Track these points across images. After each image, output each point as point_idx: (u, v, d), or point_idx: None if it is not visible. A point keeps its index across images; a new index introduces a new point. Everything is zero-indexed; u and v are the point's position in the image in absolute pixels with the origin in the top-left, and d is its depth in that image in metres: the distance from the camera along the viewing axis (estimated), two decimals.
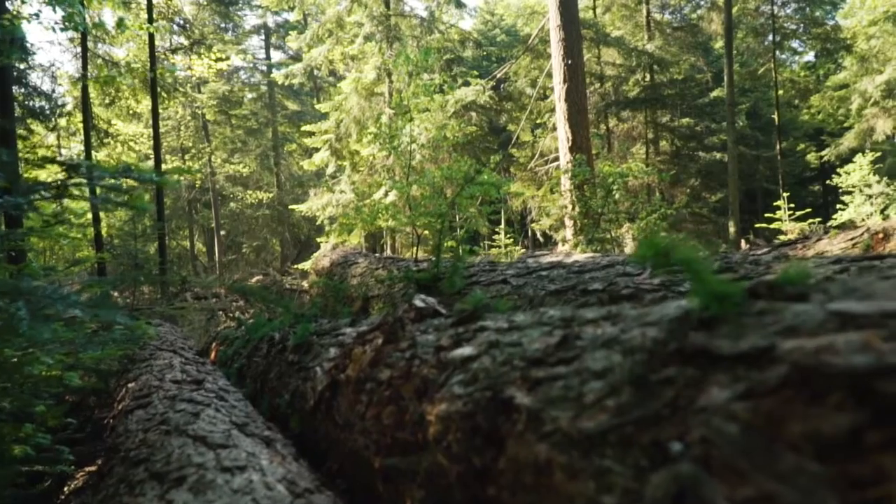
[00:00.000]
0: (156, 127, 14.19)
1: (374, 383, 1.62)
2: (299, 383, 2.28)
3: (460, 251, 3.16)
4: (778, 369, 0.62)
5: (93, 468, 3.10)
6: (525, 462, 0.91)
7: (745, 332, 0.71)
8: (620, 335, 0.92)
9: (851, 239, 2.92)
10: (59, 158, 1.87)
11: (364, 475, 1.55)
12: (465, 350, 1.29)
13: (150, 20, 14.30)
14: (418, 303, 1.84)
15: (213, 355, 5.08)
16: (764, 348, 0.66)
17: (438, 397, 1.24)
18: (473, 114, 19.05)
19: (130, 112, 19.51)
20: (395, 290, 4.56)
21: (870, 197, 14.98)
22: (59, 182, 1.94)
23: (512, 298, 3.22)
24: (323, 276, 6.65)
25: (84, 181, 1.96)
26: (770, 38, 20.57)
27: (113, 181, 2.11)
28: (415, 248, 9.39)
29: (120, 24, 6.89)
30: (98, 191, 2.25)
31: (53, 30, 6.90)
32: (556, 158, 14.69)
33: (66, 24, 6.71)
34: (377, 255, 6.55)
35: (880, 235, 2.74)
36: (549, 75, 15.14)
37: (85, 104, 13.31)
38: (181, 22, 19.40)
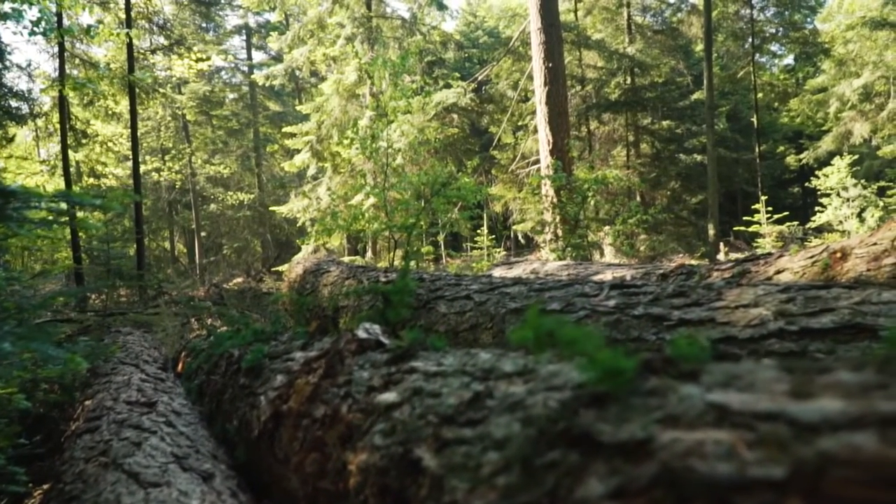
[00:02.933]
0: (134, 128, 14.01)
1: (309, 420, 1.58)
2: (247, 410, 2.23)
3: (406, 278, 3.12)
4: (650, 467, 0.59)
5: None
6: None
7: (631, 416, 0.68)
8: (527, 398, 0.89)
9: (811, 257, 2.91)
10: None
11: None
12: (390, 396, 1.25)
13: (129, 21, 14.13)
14: (361, 333, 1.80)
15: (180, 366, 5.01)
16: (641, 440, 0.63)
17: (361, 446, 1.21)
18: (455, 116, 19.02)
19: (109, 112, 19.28)
20: (362, 302, 4.52)
21: (847, 200, 15.08)
22: None
23: (475, 315, 3.19)
24: (296, 283, 6.59)
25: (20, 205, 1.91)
26: (749, 41, 20.71)
27: (53, 205, 2.07)
28: (392, 253, 9.37)
29: (88, 31, 6.78)
30: (40, 214, 2.20)
31: (21, 34, 6.80)
32: (538, 161, 14.70)
33: (35, 28, 6.61)
34: (349, 263, 6.50)
35: (838, 255, 2.73)
36: (531, 78, 15.16)
37: (62, 106, 13.13)
38: (161, 22, 19.18)
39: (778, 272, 3.05)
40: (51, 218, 2.19)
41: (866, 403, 0.53)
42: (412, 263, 10.53)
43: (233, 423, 2.35)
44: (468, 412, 0.97)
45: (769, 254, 3.27)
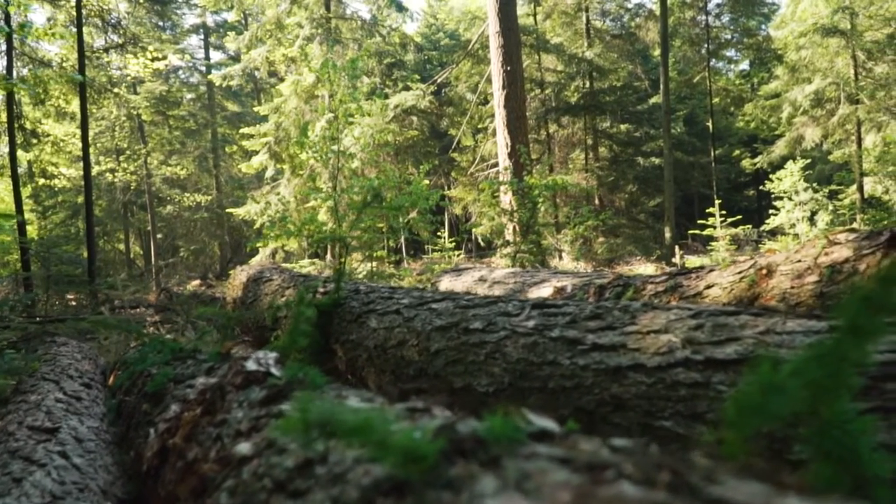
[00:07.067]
0: (84, 128, 13.57)
1: (183, 463, 1.47)
2: (142, 440, 2.10)
3: (302, 304, 3.00)
4: None
5: None
6: None
7: None
8: (350, 470, 0.79)
9: (740, 272, 2.88)
10: None
11: None
12: (245, 446, 1.15)
13: (80, 18, 13.72)
14: (250, 365, 1.69)
15: (111, 380, 4.82)
16: None
17: (210, 503, 1.10)
18: (414, 118, 18.95)
19: (61, 112, 18.74)
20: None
21: (799, 203, 15.34)
22: None
23: (402, 331, 3.10)
24: (239, 291, 6.43)
25: None
26: (705, 47, 21.00)
27: None
28: (343, 259, 9.22)
29: (22, 28, 6.52)
30: None
31: None
32: (497, 164, 14.70)
33: None
34: (292, 271, 6.34)
35: (764, 271, 2.70)
36: (490, 81, 15.14)
37: (10, 105, 12.68)
38: (114, 20, 18.68)
39: (708, 287, 3.02)
40: None
41: None
42: (347, 271, 10.39)
43: (129, 454, 2.21)
44: (297, 480, 0.88)
45: (701, 268, 3.24)
